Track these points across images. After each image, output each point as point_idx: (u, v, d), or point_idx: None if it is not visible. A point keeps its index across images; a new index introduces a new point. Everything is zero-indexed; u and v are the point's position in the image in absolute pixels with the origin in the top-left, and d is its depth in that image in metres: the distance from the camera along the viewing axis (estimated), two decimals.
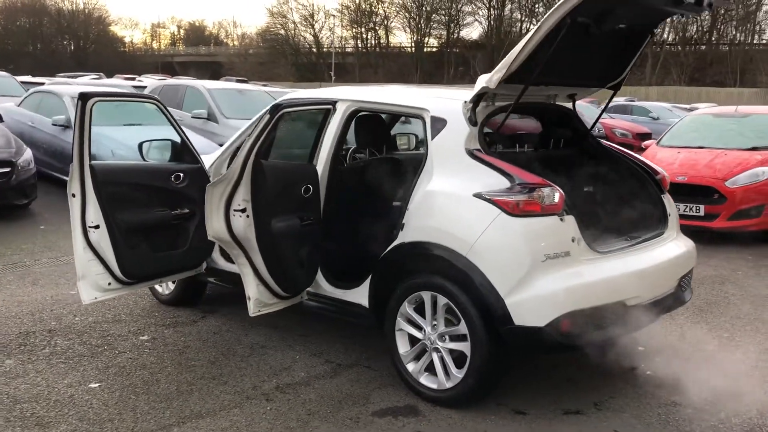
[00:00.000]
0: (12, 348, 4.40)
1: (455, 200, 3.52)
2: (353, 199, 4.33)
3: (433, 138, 3.75)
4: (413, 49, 66.94)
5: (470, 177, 3.54)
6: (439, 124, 3.76)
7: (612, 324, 3.45)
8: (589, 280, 3.40)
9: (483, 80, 3.69)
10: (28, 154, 8.75)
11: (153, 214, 4.37)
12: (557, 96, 4.37)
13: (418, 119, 3.97)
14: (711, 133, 8.92)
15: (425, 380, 3.70)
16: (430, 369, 3.71)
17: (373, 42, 70.26)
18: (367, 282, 3.98)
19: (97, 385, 3.90)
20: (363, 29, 69.81)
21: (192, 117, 11.35)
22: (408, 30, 67.40)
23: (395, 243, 3.75)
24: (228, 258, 4.78)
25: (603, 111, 5.08)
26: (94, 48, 77.19)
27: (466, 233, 3.42)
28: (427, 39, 67.02)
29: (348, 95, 4.22)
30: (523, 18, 61.20)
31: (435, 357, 3.65)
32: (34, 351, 4.37)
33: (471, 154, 3.61)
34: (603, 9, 3.52)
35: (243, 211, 3.62)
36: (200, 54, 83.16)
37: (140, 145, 4.63)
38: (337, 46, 68.78)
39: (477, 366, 3.45)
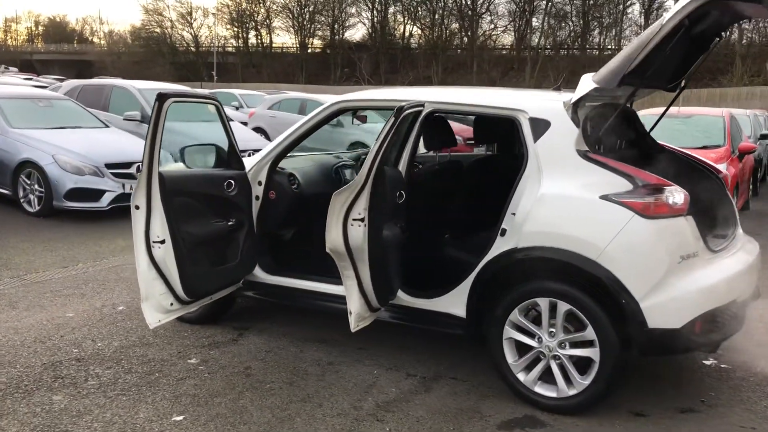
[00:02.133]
0: (48, 382, 3.88)
1: (579, 203, 3.44)
2: (433, 204, 4.16)
3: (536, 140, 3.65)
4: (297, 49, 66.32)
5: (587, 179, 3.49)
6: (540, 125, 3.67)
7: (729, 322, 3.51)
8: (714, 280, 3.43)
9: (589, 80, 3.64)
10: None
11: (212, 226, 4.02)
12: (620, 96, 4.40)
13: (507, 121, 3.86)
14: (663, 133, 9.37)
15: (541, 389, 3.61)
16: (544, 377, 3.61)
17: (255, 42, 68.95)
18: (457, 291, 3.84)
19: (181, 417, 3.50)
20: (244, 29, 68.34)
21: (124, 119, 10.61)
22: (291, 30, 66.73)
23: (504, 249, 3.62)
24: (269, 269, 4.48)
25: (663, 114, 5.04)
26: None
27: (597, 237, 3.35)
28: (311, 40, 66.66)
29: (430, 97, 4.05)
30: (406, 20, 62.26)
31: (554, 365, 3.55)
32: (78, 384, 3.87)
33: (584, 155, 3.55)
34: (707, 11, 3.56)
35: (361, 220, 3.36)
36: (65, 51, 78.11)
37: (182, 150, 4.21)
38: (218, 45, 66.88)
39: (606, 371, 3.40)
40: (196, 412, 3.56)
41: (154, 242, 3.66)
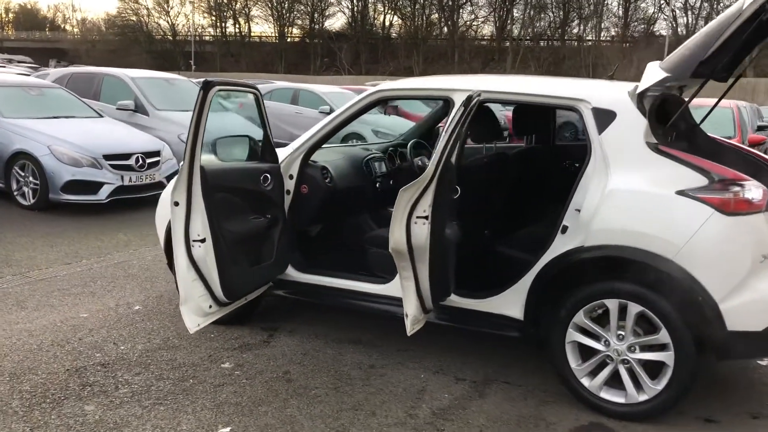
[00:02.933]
0: (76, 390, 3.61)
1: (654, 200, 3.25)
2: (480, 198, 3.95)
3: (600, 132, 3.45)
4: (276, 39, 65.56)
5: (659, 173, 3.30)
6: (605, 116, 3.47)
7: None
8: None
9: (656, 69, 3.44)
10: None
11: (250, 223, 3.77)
12: (673, 86, 4.21)
13: (568, 111, 3.66)
14: None
15: (607, 394, 3.43)
16: (610, 382, 3.43)
17: (233, 31, 68.07)
18: (512, 290, 3.64)
19: (228, 429, 3.27)
20: (222, 17, 67.38)
21: (117, 108, 10.24)
22: (270, 19, 65.94)
23: (568, 247, 3.43)
24: (300, 267, 4.26)
25: (716, 103, 4.84)
26: None
27: (673, 235, 3.17)
28: (290, 29, 65.93)
29: (481, 85, 3.83)
30: (386, 10, 61.84)
31: (622, 369, 3.37)
32: (108, 392, 3.61)
33: (654, 148, 3.36)
34: None
35: (425, 218, 3.14)
36: (37, 39, 76.37)
37: (215, 142, 3.95)
38: (195, 34, 65.88)
39: (681, 376, 3.22)
40: (243, 422, 3.33)
41: (194, 241, 3.41)
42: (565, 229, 3.49)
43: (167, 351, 4.17)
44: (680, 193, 3.19)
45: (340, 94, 14.53)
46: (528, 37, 56.63)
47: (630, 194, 3.30)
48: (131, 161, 8.22)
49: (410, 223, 3.13)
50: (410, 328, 3.40)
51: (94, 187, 7.98)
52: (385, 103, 4.43)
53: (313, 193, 4.32)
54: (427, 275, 3.30)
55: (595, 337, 3.43)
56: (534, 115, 4.66)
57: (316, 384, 3.76)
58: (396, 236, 3.17)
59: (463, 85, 3.87)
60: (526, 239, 4.12)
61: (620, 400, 3.39)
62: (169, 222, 4.53)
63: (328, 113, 14.06)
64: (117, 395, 3.57)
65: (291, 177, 4.28)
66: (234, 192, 3.66)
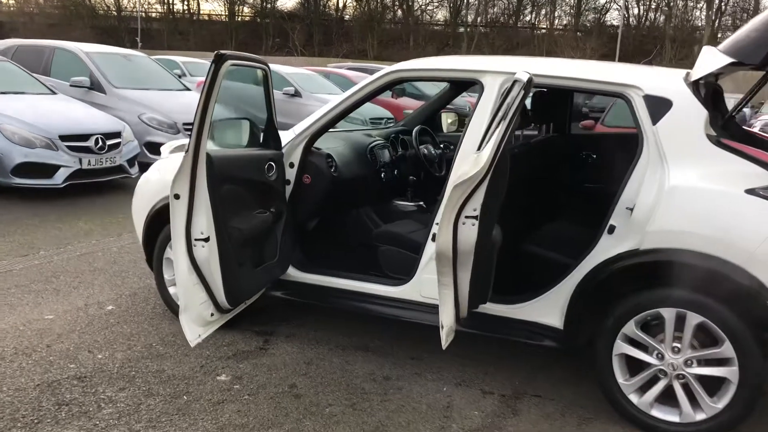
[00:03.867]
0: (51, 411, 3.11)
1: (721, 199, 2.92)
2: (511, 193, 3.57)
3: (655, 122, 3.11)
4: (226, 17, 63.83)
5: (722, 169, 2.98)
6: (660, 105, 3.12)
7: None
8: None
9: (716, 54, 3.11)
10: None
11: (255, 218, 3.31)
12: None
13: (615, 98, 3.30)
14: None
15: (659, 413, 3.10)
16: (661, 399, 3.11)
17: (181, 8, 65.97)
18: (551, 296, 3.30)
19: None
20: None
21: (71, 86, 9.50)
22: None
23: (619, 250, 3.08)
24: (301, 266, 3.84)
25: (750, 97, 4.53)
26: None
27: (743, 238, 2.85)
28: (240, 7, 64.24)
29: (520, 68, 3.43)
30: None
31: (677, 385, 3.05)
32: (90, 413, 3.12)
33: (716, 141, 3.04)
34: None
35: (475, 218, 2.73)
36: None
37: (211, 125, 3.45)
38: (142, 10, 63.61)
39: (745, 394, 2.92)
40: None
41: (196, 240, 2.94)
42: (612, 229, 3.14)
43: (152, 360, 3.69)
44: (750, 191, 2.87)
45: (306, 76, 13.97)
46: (482, 23, 56.56)
47: (694, 192, 2.96)
48: (90, 143, 7.58)
49: (458, 223, 2.72)
50: (445, 341, 3.01)
51: (50, 170, 7.32)
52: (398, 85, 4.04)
53: (317, 183, 3.88)
54: (468, 282, 2.91)
55: (647, 349, 3.10)
56: (556, 102, 4.30)
57: (329, 400, 3.34)
58: (443, 238, 2.76)
59: (495, 66, 3.47)
60: (560, 238, 3.77)
61: (674, 419, 3.07)
62: (150, 215, 4.04)
63: (293, 95, 13.50)
64: (101, 417, 3.09)
65: (292, 165, 3.83)
66: (240, 183, 3.19)
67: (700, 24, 49.41)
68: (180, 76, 18.27)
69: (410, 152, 4.69)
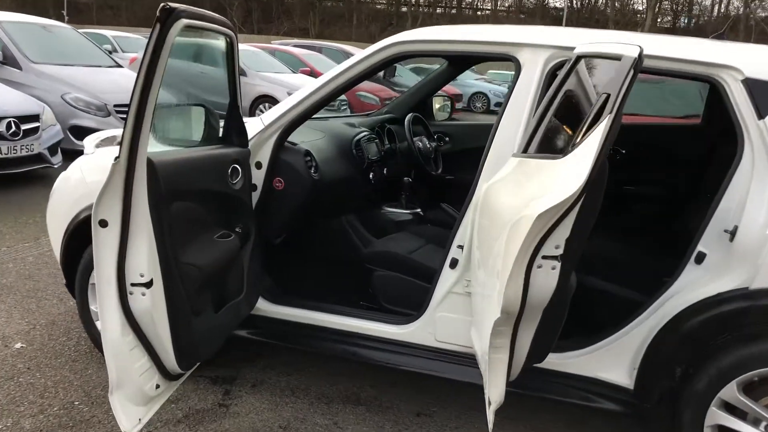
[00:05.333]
0: None
1: None
2: None
3: (763, 114, 2.31)
4: None
5: None
6: (766, 92, 2.32)
7: None
8: None
9: None
10: None
11: (218, 245, 2.38)
12: None
13: (700, 82, 2.49)
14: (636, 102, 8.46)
15: None
16: None
17: None
18: (615, 345, 2.49)
19: None
20: None
21: None
22: None
23: (718, 288, 2.28)
24: (272, 296, 2.96)
25: None
26: None
27: None
28: None
29: (567, 41, 2.58)
30: None
31: None
32: None
33: None
34: None
35: (557, 258, 1.86)
36: None
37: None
38: None
39: None
40: None
41: (134, 285, 1.99)
42: (701, 258, 2.35)
43: (74, 430, 2.72)
44: None
45: (251, 53, 12.85)
46: (425, 3, 55.79)
47: None
48: (2, 127, 6.39)
49: (532, 266, 1.85)
50: (492, 421, 2.15)
51: None
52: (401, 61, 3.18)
53: (293, 189, 2.97)
54: (530, 342, 2.05)
55: (753, 420, 2.32)
56: None
57: None
58: (513, 289, 1.88)
59: (536, 37, 2.61)
60: (613, 262, 2.96)
61: None
62: (70, 228, 3.05)
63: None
64: None
65: (259, 166, 2.90)
66: (195, 198, 2.25)
67: (641, 8, 49.85)
68: (111, 52, 16.86)
69: (401, 146, 3.81)
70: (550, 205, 1.71)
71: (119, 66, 9.54)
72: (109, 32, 18.35)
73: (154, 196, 1.95)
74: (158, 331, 2.09)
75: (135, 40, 17.84)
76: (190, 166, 2.23)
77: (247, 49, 13.14)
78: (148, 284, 2.00)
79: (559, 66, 2.56)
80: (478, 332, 2.45)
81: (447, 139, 4.26)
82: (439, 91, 4.38)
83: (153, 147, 2.14)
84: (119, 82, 8.62)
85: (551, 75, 2.58)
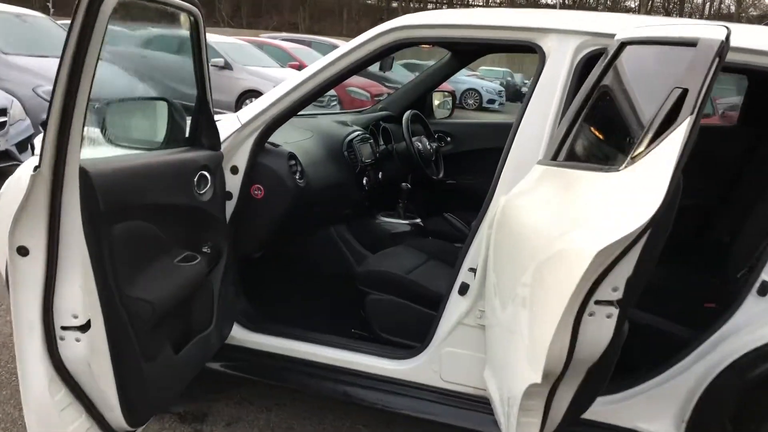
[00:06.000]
0: None
1: None
2: None
3: None
4: None
5: None
6: None
7: None
8: None
9: None
10: None
11: (179, 271, 1.94)
12: None
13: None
14: None
15: None
16: None
17: None
18: (658, 391, 2.08)
19: None
20: None
21: None
22: None
23: None
24: (249, 323, 2.55)
25: None
26: None
27: None
28: None
29: (606, 26, 2.16)
30: None
31: None
32: None
33: None
34: None
35: (610, 305, 1.42)
36: None
37: (102, 111, 2.01)
38: None
39: None
40: None
41: (65, 329, 1.56)
42: (765, 289, 1.93)
43: None
44: None
45: (237, 46, 12.38)
46: None
47: None
48: None
49: (583, 314, 1.42)
50: None
51: None
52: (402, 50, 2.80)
53: (274, 197, 2.54)
54: (569, 402, 1.62)
55: None
56: None
57: None
58: (557, 347, 1.44)
59: (564, 23, 2.20)
60: (652, 289, 2.54)
61: None
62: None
63: (222, 67, 11.88)
64: None
65: (235, 171, 2.47)
66: (149, 215, 1.81)
67: (633, 5, 49.64)
68: None
69: (399, 147, 3.38)
70: (615, 239, 1.28)
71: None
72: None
73: (90, 214, 1.51)
74: (99, 384, 1.66)
75: (119, 32, 17.31)
76: (142, 176, 1.79)
77: (234, 42, 12.67)
78: (84, 327, 1.57)
79: (593, 56, 2.15)
80: (496, 374, 2.04)
81: (448, 139, 3.84)
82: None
83: (93, 152, 1.71)
84: (99, 75, 8.14)
85: (582, 67, 2.17)
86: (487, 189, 2.23)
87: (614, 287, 1.39)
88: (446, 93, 4.03)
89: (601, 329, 1.44)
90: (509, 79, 24.97)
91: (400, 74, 15.76)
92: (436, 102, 4.01)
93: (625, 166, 1.46)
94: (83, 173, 1.50)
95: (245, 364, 2.58)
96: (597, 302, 1.40)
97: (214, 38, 12.92)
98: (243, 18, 53.69)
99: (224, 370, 2.58)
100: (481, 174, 3.64)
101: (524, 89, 25.39)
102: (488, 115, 19.61)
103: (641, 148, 1.40)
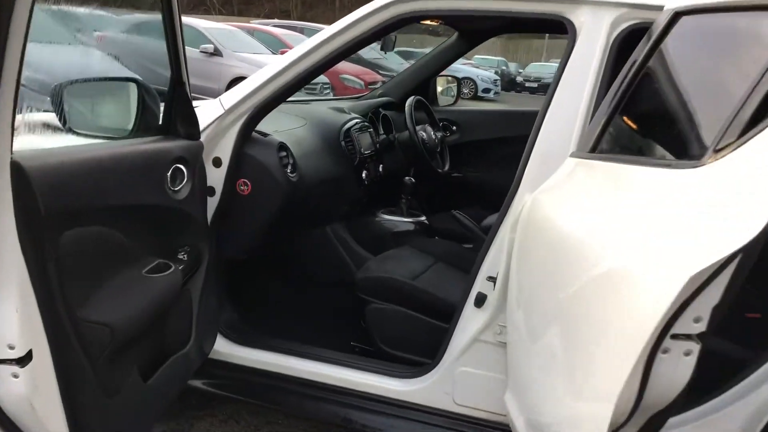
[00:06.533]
0: None
1: None
2: None
3: None
4: None
5: None
6: None
7: None
8: None
9: None
10: None
11: (150, 283, 1.63)
12: None
13: None
14: None
15: None
16: None
17: None
18: (721, 414, 1.79)
19: None
20: None
21: None
22: None
23: None
24: (234, 336, 2.27)
25: None
26: None
27: None
28: None
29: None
30: None
31: None
32: None
33: None
34: None
35: (690, 339, 1.12)
36: None
37: (58, 92, 1.68)
38: None
39: None
40: None
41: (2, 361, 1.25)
42: None
43: None
44: None
45: (227, 32, 12.01)
46: None
47: None
48: None
49: (656, 354, 1.12)
50: None
51: None
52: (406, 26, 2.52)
53: (263, 193, 2.25)
54: None
55: None
56: None
57: None
58: (626, 394, 1.13)
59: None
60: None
61: None
62: None
63: (212, 54, 11.52)
64: None
65: (218, 163, 2.16)
66: (107, 218, 1.50)
67: None
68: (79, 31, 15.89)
69: (401, 136, 3.07)
70: (714, 259, 0.98)
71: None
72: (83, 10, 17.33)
73: (27, 220, 1.21)
74: (48, 426, 1.35)
75: (107, 17, 16.91)
76: (101, 170, 1.47)
77: (224, 28, 12.31)
78: (23, 360, 1.26)
79: (634, 31, 1.85)
80: (519, 397, 1.75)
81: (454, 128, 3.53)
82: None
83: (44, 142, 1.40)
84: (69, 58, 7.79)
85: (620, 44, 1.87)
86: (498, 183, 1.94)
87: (696, 317, 1.08)
88: (450, 78, 3.71)
89: (676, 370, 1.14)
90: (504, 68, 24.70)
91: (395, 62, 15.42)
92: (439, 88, 3.70)
93: (700, 162, 1.15)
94: (16, 168, 1.19)
95: (230, 381, 2.28)
96: (674, 336, 1.10)
97: (203, 23, 12.57)
98: (234, 5, 53.07)
99: (206, 388, 2.29)
100: (491, 166, 3.35)
101: (519, 78, 25.10)
102: (484, 104, 19.31)
103: (731, 138, 1.09)
